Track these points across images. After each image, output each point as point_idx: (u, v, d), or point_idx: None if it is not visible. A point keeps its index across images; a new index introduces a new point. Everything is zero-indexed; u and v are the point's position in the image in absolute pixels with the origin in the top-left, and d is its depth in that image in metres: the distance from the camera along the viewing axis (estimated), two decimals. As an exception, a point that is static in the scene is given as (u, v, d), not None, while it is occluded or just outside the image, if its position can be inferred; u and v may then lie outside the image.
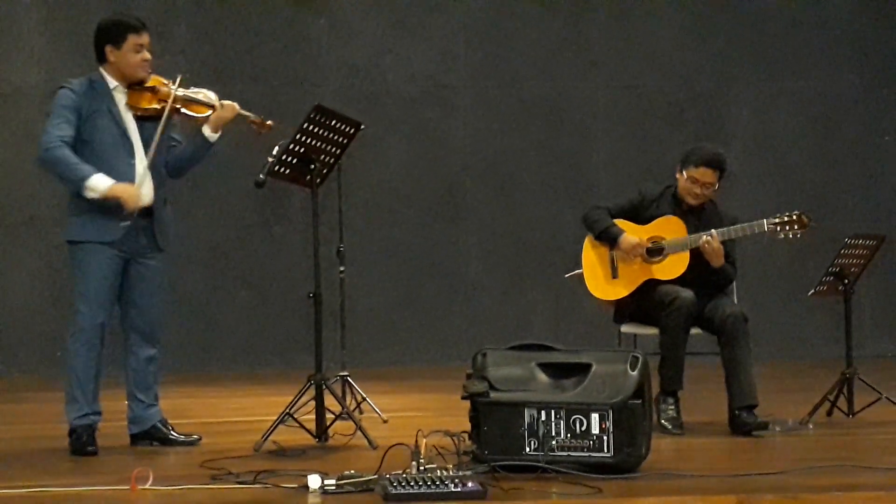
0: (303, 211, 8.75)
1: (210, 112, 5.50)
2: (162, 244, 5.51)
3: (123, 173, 5.36)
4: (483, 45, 9.47)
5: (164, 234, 5.52)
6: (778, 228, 5.88)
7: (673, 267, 5.95)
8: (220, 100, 5.53)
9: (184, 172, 5.65)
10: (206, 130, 5.50)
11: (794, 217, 5.87)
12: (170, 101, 5.41)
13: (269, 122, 5.56)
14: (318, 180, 5.58)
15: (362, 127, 5.71)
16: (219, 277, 9.15)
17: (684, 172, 6.00)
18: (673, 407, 5.84)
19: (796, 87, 9.73)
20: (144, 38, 5.44)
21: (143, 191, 5.39)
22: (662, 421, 5.74)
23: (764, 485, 4.53)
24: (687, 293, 5.84)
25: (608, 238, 6.04)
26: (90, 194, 5.29)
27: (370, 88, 9.31)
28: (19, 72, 8.81)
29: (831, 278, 6.21)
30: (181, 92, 5.46)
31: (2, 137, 8.78)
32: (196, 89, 5.54)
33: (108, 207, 5.31)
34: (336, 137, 5.61)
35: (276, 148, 5.50)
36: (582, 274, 6.15)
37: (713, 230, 5.88)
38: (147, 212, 5.43)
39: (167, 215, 5.55)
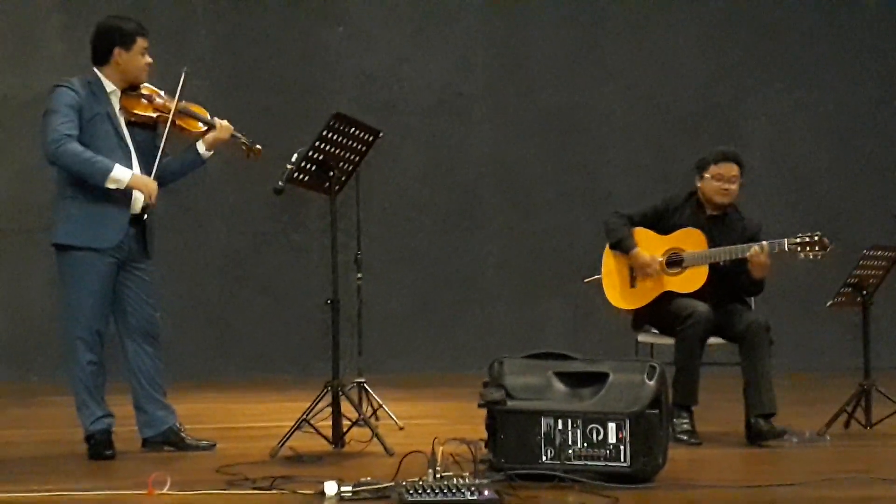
0: (320, 218, 8.75)
1: (205, 129, 5.52)
2: (150, 251, 5.53)
3: None
4: (500, 55, 9.48)
5: (153, 241, 5.55)
6: (798, 249, 5.85)
7: (691, 280, 5.94)
8: (214, 118, 5.54)
9: (166, 185, 5.58)
10: (201, 148, 5.54)
11: (816, 238, 5.83)
12: (172, 111, 5.42)
13: (258, 147, 5.59)
14: (337, 187, 5.58)
15: (381, 135, 5.72)
16: (236, 284, 9.17)
17: (706, 174, 5.99)
18: (687, 420, 5.81)
19: (813, 99, 9.71)
20: (147, 43, 5.46)
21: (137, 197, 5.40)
22: (678, 434, 5.72)
23: (780, 496, 4.52)
24: (702, 307, 5.82)
25: (621, 250, 6.05)
26: (111, 185, 5.27)
27: (387, 97, 9.33)
28: (40, 78, 8.83)
29: (849, 289, 6.19)
30: (181, 104, 5.45)
31: (22, 143, 8.82)
32: (188, 103, 5.53)
33: (104, 212, 5.30)
34: (355, 145, 5.62)
35: (295, 155, 5.52)
36: (601, 280, 6.16)
37: (763, 242, 5.84)
38: (138, 219, 5.44)
39: (152, 223, 5.56)
